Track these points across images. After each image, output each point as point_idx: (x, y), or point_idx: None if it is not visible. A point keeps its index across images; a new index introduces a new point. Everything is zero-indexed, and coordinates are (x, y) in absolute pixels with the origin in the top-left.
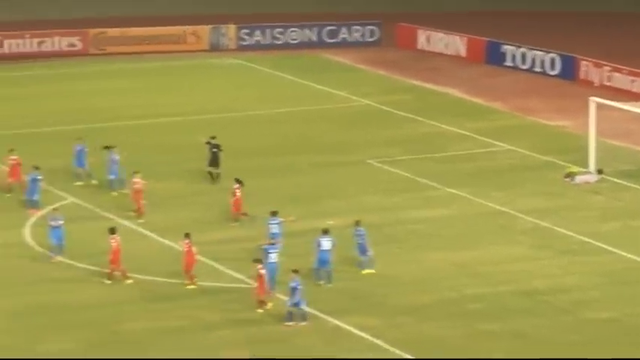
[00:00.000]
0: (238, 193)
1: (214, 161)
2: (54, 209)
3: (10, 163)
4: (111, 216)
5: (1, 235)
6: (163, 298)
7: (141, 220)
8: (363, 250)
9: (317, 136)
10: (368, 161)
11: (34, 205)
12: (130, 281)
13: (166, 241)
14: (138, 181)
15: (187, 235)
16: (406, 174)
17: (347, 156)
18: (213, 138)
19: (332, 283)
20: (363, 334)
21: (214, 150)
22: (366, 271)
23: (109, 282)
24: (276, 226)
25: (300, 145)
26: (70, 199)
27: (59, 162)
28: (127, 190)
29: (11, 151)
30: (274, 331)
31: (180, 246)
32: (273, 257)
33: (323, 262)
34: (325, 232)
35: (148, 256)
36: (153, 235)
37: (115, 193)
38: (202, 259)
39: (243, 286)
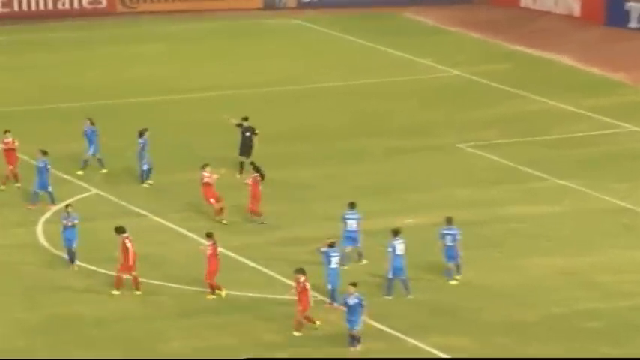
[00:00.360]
0: (250, 183)
1: (245, 149)
2: (67, 206)
3: (1, 147)
4: (143, 212)
5: (12, 234)
6: (204, 310)
7: (224, 221)
8: (452, 255)
9: (394, 114)
10: (458, 146)
11: (49, 198)
12: (212, 297)
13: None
14: (208, 175)
15: (210, 235)
16: (505, 161)
17: (431, 139)
18: (245, 120)
19: (410, 294)
20: (449, 357)
21: (247, 134)
22: (454, 280)
23: (117, 292)
24: (354, 222)
25: (373, 125)
26: (94, 191)
27: (77, 146)
28: (149, 181)
29: (6, 132)
30: (338, 354)
31: (204, 249)
32: (335, 262)
33: (398, 269)
34: (396, 232)
35: (186, 261)
36: (193, 235)
37: (146, 185)
38: (250, 263)
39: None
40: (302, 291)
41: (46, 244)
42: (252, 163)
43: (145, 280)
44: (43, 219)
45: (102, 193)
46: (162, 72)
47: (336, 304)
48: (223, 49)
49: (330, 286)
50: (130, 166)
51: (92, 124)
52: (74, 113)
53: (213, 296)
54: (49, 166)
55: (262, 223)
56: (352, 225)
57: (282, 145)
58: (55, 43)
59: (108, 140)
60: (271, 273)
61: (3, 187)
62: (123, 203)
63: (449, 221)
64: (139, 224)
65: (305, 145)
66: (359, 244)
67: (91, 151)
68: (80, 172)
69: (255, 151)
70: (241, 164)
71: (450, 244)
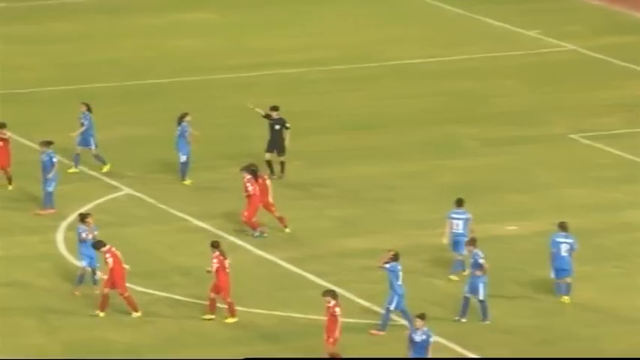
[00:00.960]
0: (250, 187)
1: (276, 144)
2: (83, 215)
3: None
4: (185, 216)
5: (29, 242)
6: (259, 336)
7: (287, 230)
8: (565, 268)
9: (493, 97)
10: (571, 136)
11: (47, 201)
12: (232, 320)
13: (270, 257)
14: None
15: (216, 245)
16: (629, 156)
17: (538, 128)
18: (274, 109)
19: (488, 319)
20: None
21: (276, 127)
22: (565, 299)
23: (211, 317)
24: (461, 222)
25: (465, 111)
26: (125, 191)
27: (105, 135)
28: (187, 180)
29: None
30: None
31: (212, 263)
32: (401, 278)
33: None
34: (563, 227)
35: (235, 276)
36: (245, 244)
37: (187, 182)
38: (316, 280)
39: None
40: (330, 318)
41: (67, 255)
42: (266, 161)
43: (185, 298)
44: (64, 224)
45: (135, 193)
46: (209, 45)
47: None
48: (282, 19)
49: (392, 307)
50: (167, 159)
51: (88, 109)
52: (102, 95)
53: (233, 319)
54: (54, 160)
55: (263, 234)
56: (458, 226)
57: (352, 136)
58: (81, 10)
59: (140, 128)
60: (345, 293)
61: (10, 187)
62: (161, 206)
63: (563, 227)
64: (178, 230)
65: (379, 137)
66: (463, 252)
67: (88, 145)
68: (106, 168)
69: (288, 147)
70: (269, 163)
71: (564, 254)
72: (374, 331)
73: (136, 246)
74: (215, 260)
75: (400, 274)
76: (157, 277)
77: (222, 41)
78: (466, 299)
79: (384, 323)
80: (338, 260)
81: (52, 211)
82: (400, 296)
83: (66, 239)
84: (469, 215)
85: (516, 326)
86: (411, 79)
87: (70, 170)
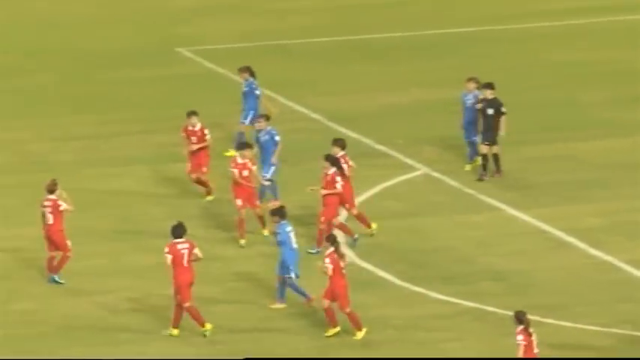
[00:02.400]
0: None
1: (488, 133)
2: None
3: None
4: (499, 204)
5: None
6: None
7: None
8: None
9: None
10: None
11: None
12: (361, 334)
13: (609, 258)
14: None
15: (332, 240)
16: None
17: None
18: (488, 87)
19: None
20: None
21: (488, 112)
22: None
23: (335, 331)
24: None
25: None
26: (421, 171)
27: (394, 99)
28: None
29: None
30: None
31: (324, 263)
32: None
33: None
34: None
35: (567, 284)
36: (578, 242)
37: (468, 167)
38: None
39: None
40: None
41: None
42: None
43: (498, 310)
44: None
45: (434, 174)
46: None
47: None
48: None
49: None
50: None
51: (252, 74)
52: (391, 48)
53: (336, 331)
54: (276, 138)
55: (355, 240)
56: None
57: None
58: None
59: (440, 90)
60: None
61: (210, 198)
62: (468, 190)
63: None
64: (490, 222)
65: None
66: None
67: (246, 119)
68: (229, 153)
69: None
70: (483, 157)
71: None
72: None
73: (435, 241)
74: (328, 260)
75: None
76: (462, 281)
77: None
78: None
79: None
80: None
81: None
82: None
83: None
84: None
85: None
86: None
87: (227, 153)
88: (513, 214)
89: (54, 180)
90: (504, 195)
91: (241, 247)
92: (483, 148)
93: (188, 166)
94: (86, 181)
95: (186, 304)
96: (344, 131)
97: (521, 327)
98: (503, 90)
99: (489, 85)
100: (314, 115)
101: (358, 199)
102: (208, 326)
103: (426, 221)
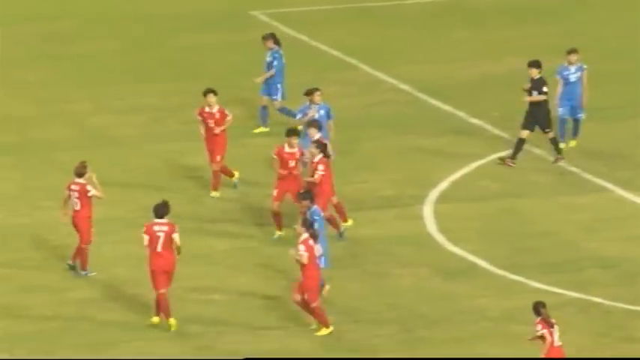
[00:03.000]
0: (321, 170)
1: (531, 118)
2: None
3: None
4: (607, 184)
5: (382, 218)
6: None
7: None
8: None
9: None
10: None
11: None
12: (325, 332)
13: None
14: None
15: (308, 224)
16: None
17: None
18: (535, 65)
19: None
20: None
21: (534, 94)
22: None
23: (328, 330)
24: None
25: None
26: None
27: (490, 67)
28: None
29: (208, 93)
30: None
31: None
32: None
33: None
34: None
35: None
36: None
37: (573, 144)
38: None
39: None
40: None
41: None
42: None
43: (607, 302)
44: (433, 194)
45: (534, 150)
46: None
47: None
48: None
49: None
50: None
51: (277, 42)
52: (488, 11)
53: (328, 331)
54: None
55: (341, 235)
56: None
57: None
58: None
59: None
60: None
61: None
62: (572, 168)
63: None
64: (596, 204)
65: None
66: None
67: (276, 94)
68: (259, 130)
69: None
70: (519, 142)
71: None
72: None
73: (535, 225)
74: (303, 247)
75: None
76: (565, 269)
77: None
78: None
79: None
80: None
81: None
82: None
83: (436, 214)
84: None
85: None
86: None
87: (257, 130)
88: (623, 195)
89: (83, 162)
90: (613, 174)
91: (278, 238)
92: (523, 133)
93: (207, 154)
94: (148, 158)
95: (161, 291)
96: (434, 103)
97: (539, 318)
98: (616, 58)
99: (536, 64)
100: (402, 86)
101: (450, 179)
102: (173, 322)
103: (525, 203)
